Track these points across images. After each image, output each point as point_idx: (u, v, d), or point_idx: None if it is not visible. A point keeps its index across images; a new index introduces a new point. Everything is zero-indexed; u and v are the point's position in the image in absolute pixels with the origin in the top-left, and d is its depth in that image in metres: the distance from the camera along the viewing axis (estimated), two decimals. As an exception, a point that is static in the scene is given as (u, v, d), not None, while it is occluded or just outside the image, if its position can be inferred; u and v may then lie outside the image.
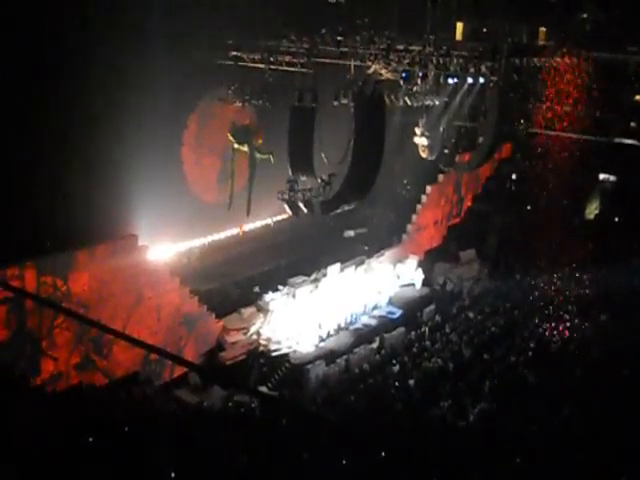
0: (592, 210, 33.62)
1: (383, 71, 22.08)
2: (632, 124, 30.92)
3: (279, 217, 28.33)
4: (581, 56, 26.10)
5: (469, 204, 33.75)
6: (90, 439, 11.84)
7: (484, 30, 26.32)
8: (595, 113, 29.00)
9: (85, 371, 18.14)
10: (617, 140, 29.14)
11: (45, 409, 14.18)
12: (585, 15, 29.04)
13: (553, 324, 23.95)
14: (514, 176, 33.90)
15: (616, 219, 31.93)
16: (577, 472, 13.48)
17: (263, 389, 19.14)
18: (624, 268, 26.38)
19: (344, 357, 22.40)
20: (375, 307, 26.10)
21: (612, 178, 33.00)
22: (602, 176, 33.06)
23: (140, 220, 20.09)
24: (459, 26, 25.44)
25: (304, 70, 22.44)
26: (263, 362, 21.94)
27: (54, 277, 16.96)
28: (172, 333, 20.35)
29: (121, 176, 19.50)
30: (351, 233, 31.06)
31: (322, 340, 23.34)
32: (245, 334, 22.74)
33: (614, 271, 26.29)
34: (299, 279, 24.73)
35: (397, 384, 20.10)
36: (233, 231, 27.45)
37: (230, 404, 19.14)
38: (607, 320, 24.10)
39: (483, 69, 21.88)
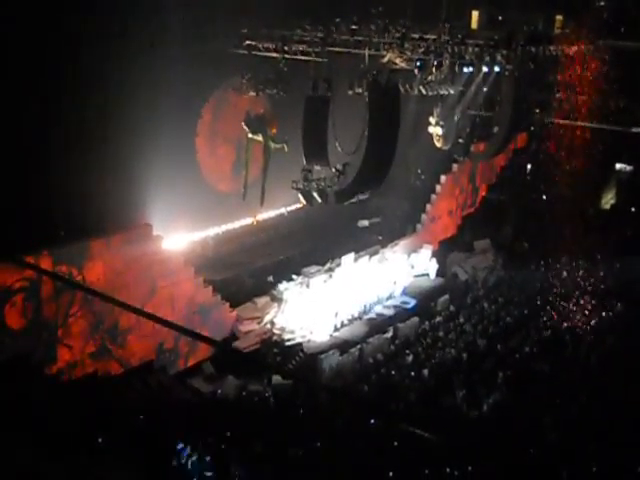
0: (608, 200, 33.41)
1: (398, 60, 21.98)
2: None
3: (293, 207, 28.30)
4: (598, 44, 25.87)
5: (484, 194, 33.59)
6: (106, 427, 11.96)
7: (500, 18, 26.13)
8: (612, 102, 28.77)
9: (100, 360, 18.22)
10: (634, 129, 28.90)
11: (61, 397, 14.32)
12: (602, 3, 28.76)
13: (568, 314, 23.86)
14: (529, 166, 33.70)
15: (632, 209, 31.70)
16: (592, 462, 13.45)
17: (277, 378, 19.13)
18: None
19: (358, 347, 22.39)
20: (389, 297, 26.07)
21: (628, 168, 32.74)
22: (618, 166, 32.82)
23: (155, 210, 20.13)
24: (475, 14, 25.23)
25: (318, 59, 22.37)
26: (277, 351, 21.98)
27: (69, 266, 17.01)
28: (186, 322, 20.35)
29: (136, 166, 19.54)
30: (365, 223, 31.00)
31: (336, 330, 23.35)
32: (259, 323, 22.77)
33: (630, 261, 26.11)
34: (313, 269, 24.72)
35: (411, 374, 20.10)
36: (247, 220, 27.45)
37: (244, 393, 19.23)
38: (623, 310, 23.97)
39: (499, 58, 21.75)
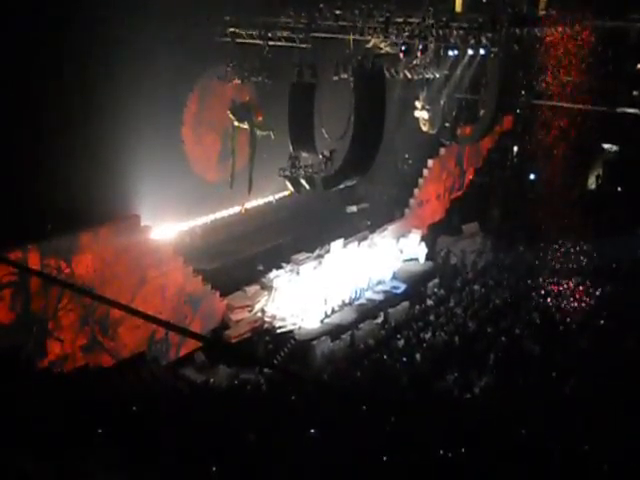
0: (595, 180, 33.52)
1: (382, 45, 21.88)
2: (634, 93, 30.74)
3: (281, 194, 28.26)
4: (582, 25, 25.84)
5: (471, 177, 33.64)
6: (98, 419, 11.92)
7: (484, 1, 26.05)
8: (597, 83, 28.79)
9: (91, 352, 18.20)
10: (619, 110, 28.97)
11: (53, 391, 14.27)
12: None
13: (557, 295, 23.99)
14: (515, 148, 33.75)
15: (619, 189, 31.83)
16: (582, 443, 13.55)
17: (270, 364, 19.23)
18: (627, 238, 26.34)
19: (349, 333, 22.48)
20: (379, 282, 26.15)
21: (614, 148, 32.85)
22: (605, 146, 32.91)
23: (142, 200, 20.04)
24: (458, -3, 25.16)
25: (303, 45, 22.24)
26: (268, 339, 22.02)
27: (57, 259, 16.95)
28: (177, 312, 20.40)
29: (122, 157, 19.41)
30: (354, 209, 31.00)
31: (327, 316, 23.42)
32: (250, 312, 22.79)
33: (617, 241, 26.24)
34: (302, 256, 24.73)
35: (402, 358, 20.19)
36: (235, 209, 27.38)
37: (236, 382, 19.26)
38: (611, 290, 24.12)
39: (483, 40, 21.66)
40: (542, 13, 25.61)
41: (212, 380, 19.42)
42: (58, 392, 14.86)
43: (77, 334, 17.78)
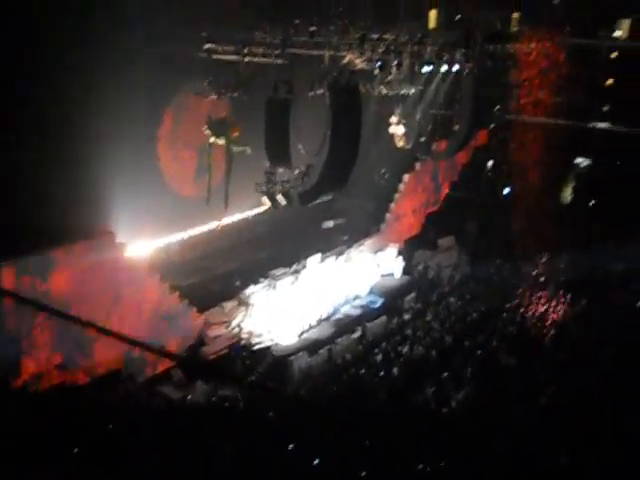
0: (568, 194, 33.90)
1: (358, 61, 22.04)
2: (605, 108, 31.21)
3: (258, 210, 28.24)
4: (554, 41, 26.29)
5: (446, 191, 33.85)
6: (74, 438, 11.80)
7: (457, 17, 26.40)
8: (569, 98, 29.24)
9: (67, 370, 18.00)
10: (591, 124, 29.41)
11: (28, 410, 14.10)
12: (557, 0, 29.22)
13: (533, 307, 24.19)
14: (490, 162, 34.06)
15: (592, 203, 32.22)
16: (560, 455, 13.64)
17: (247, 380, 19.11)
18: (601, 251, 26.64)
19: (327, 348, 22.44)
20: (356, 297, 26.17)
21: (587, 162, 33.27)
22: (577, 160, 33.33)
23: (118, 217, 19.92)
24: (432, 14, 25.48)
25: (279, 61, 22.34)
26: (246, 355, 21.92)
27: (33, 277, 16.78)
28: (153, 329, 20.24)
29: (97, 173, 19.27)
30: (330, 224, 31.05)
31: (304, 331, 23.37)
32: (227, 328, 22.69)
33: (591, 254, 26.53)
34: (279, 271, 24.68)
35: (380, 373, 20.19)
36: (212, 225, 27.30)
37: (214, 398, 19.13)
38: (586, 302, 24.36)
39: (457, 56, 21.95)
40: (515, 30, 26.05)
41: (189, 397, 19.27)
42: (33, 411, 14.68)
43: (52, 352, 17.59)
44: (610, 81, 31.32)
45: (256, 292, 23.60)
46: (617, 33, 28.55)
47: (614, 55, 30.70)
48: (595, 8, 27.98)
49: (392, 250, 28.84)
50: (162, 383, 20.19)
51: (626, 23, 28.17)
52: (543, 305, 24.39)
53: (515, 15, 26.34)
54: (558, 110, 29.28)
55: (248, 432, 14.86)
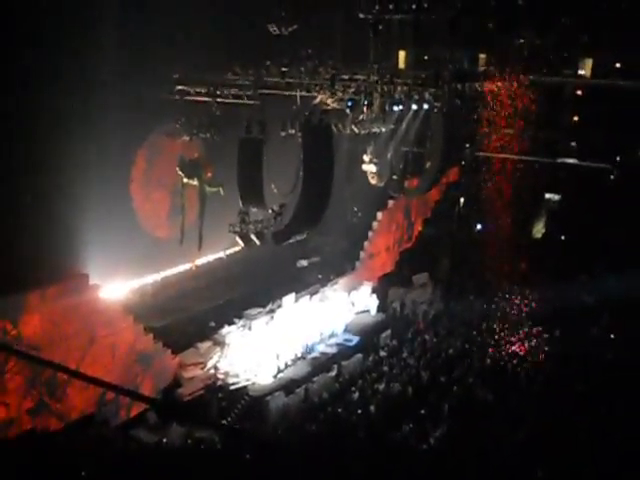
0: (539, 229, 34.34)
1: (329, 100, 22.34)
2: (572, 144, 31.87)
3: (231, 250, 28.21)
4: (520, 80, 26.87)
5: (419, 228, 34.13)
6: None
7: (426, 58, 26.91)
8: (536, 135, 29.82)
9: (39, 415, 17.67)
10: (559, 160, 29.96)
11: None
12: (522, 40, 29.95)
13: (507, 342, 24.29)
14: (462, 199, 34.45)
15: (562, 237, 32.65)
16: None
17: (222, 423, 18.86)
18: (573, 285, 26.91)
19: (303, 387, 22.30)
20: (332, 335, 26.09)
21: (556, 197, 33.81)
22: (547, 195, 33.85)
23: (91, 258, 19.77)
24: (401, 54, 25.97)
25: (251, 102, 22.56)
26: (222, 396, 21.69)
27: (3, 321, 16.56)
28: (128, 371, 20.00)
29: (70, 214, 19.18)
30: (304, 263, 31.08)
31: (280, 371, 23.21)
32: (202, 369, 22.46)
33: (563, 288, 26.78)
34: (254, 311, 24.59)
35: (358, 411, 20.07)
36: (186, 266, 27.21)
37: (190, 441, 18.85)
38: (560, 336, 24.53)
39: (427, 95, 22.32)
40: (482, 69, 26.61)
41: (165, 440, 18.96)
42: (3, 459, 14.36)
43: (23, 397, 17.27)
44: (576, 118, 32.05)
45: (231, 332, 23.46)
46: (581, 72, 29.31)
47: (579, 93, 31.51)
48: (559, 48, 28.75)
49: (366, 288, 28.89)
50: (136, 427, 19.86)
51: (589, 62, 28.96)
52: (517, 339, 24.51)
53: (482, 55, 26.93)
54: (527, 147, 29.82)
55: (225, 475, 14.65)
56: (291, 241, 22.78)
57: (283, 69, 22.00)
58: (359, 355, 24.66)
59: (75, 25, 19.21)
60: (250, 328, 23.84)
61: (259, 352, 23.00)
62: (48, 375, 17.50)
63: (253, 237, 21.93)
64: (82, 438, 18.05)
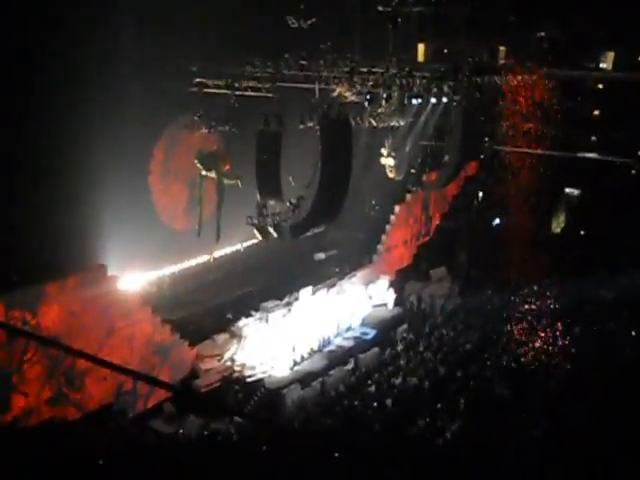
0: (559, 224, 34.12)
1: (347, 93, 22.26)
2: (593, 138, 31.58)
3: (249, 242, 28.28)
4: (540, 73, 26.64)
5: (437, 222, 34.01)
6: (64, 475, 11.63)
7: (445, 51, 26.76)
8: (557, 129, 29.57)
9: (57, 405, 17.82)
10: (579, 154, 29.71)
11: (16, 446, 13.91)
12: (542, 33, 29.69)
13: (525, 338, 24.14)
14: (480, 193, 34.29)
15: (582, 232, 32.41)
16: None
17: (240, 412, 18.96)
18: (592, 280, 26.71)
19: (319, 380, 22.32)
20: (348, 328, 26.10)
21: (576, 192, 33.56)
22: (567, 190, 33.60)
23: (109, 250, 19.90)
24: (420, 47, 25.86)
25: (269, 95, 22.55)
26: (238, 388, 21.77)
27: (23, 311, 16.69)
28: (145, 363, 20.12)
29: (89, 207, 19.33)
30: (322, 256, 31.08)
31: (297, 364, 23.25)
32: (219, 361, 22.56)
33: (583, 283, 26.60)
34: (271, 303, 24.65)
35: (374, 404, 20.05)
36: (204, 258, 27.29)
37: (206, 432, 18.94)
38: (579, 332, 24.35)
39: (446, 89, 22.18)
40: (502, 62, 26.40)
41: (181, 431, 19.06)
42: (22, 448, 14.49)
43: (42, 387, 17.42)
44: (596, 112, 31.74)
45: (248, 324, 23.53)
46: (602, 65, 29.02)
47: (600, 86, 31.19)
48: (580, 41, 28.46)
49: (384, 281, 28.84)
50: (153, 417, 20.00)
51: (610, 55, 28.65)
52: (535, 334, 24.35)
53: (502, 48, 26.72)
54: (546, 141, 29.59)
55: (241, 466, 14.69)
56: (309, 234, 22.77)
57: (302, 62, 21.95)
58: (375, 349, 24.64)
59: (93, 19, 19.29)
60: (267, 321, 23.89)
61: (276, 345, 23.05)
62: (67, 365, 17.66)
63: (271, 230, 21.93)
64: (100, 428, 18.19)
